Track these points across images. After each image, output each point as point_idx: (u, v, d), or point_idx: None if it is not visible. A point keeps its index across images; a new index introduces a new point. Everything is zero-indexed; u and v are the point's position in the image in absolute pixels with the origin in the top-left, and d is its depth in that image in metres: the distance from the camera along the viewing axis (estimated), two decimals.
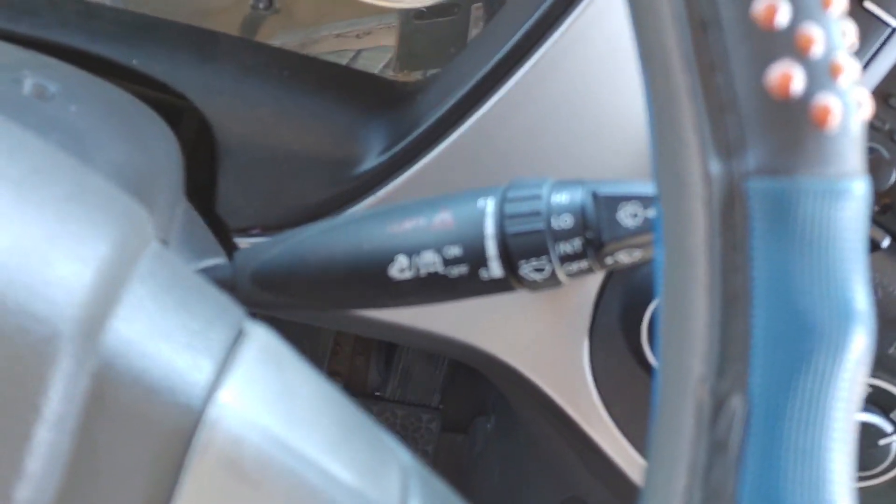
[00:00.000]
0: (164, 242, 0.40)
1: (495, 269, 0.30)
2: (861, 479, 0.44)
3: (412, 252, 0.30)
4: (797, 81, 0.18)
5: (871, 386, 0.45)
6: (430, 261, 0.30)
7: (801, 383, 0.17)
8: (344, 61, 0.55)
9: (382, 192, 0.46)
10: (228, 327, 0.20)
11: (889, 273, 0.45)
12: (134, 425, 0.17)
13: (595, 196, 0.31)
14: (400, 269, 0.30)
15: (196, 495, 0.17)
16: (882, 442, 0.43)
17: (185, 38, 0.50)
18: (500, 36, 0.46)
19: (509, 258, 0.30)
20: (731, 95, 0.18)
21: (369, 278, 0.31)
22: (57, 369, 0.17)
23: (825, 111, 0.18)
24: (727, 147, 0.18)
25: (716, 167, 0.19)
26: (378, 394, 0.85)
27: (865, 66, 0.45)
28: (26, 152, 0.21)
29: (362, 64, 0.54)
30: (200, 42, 0.49)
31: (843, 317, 0.18)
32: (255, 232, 0.48)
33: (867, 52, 0.44)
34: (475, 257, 0.30)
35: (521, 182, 0.32)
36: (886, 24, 0.44)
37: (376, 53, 0.54)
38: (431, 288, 0.30)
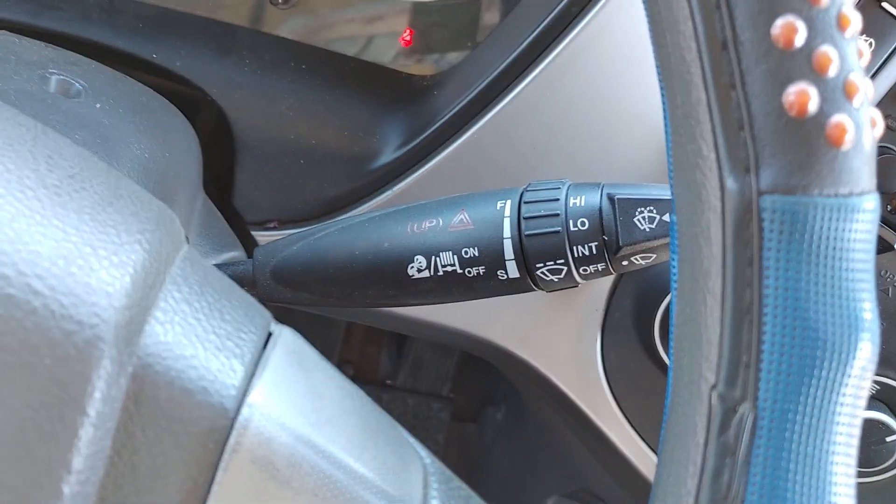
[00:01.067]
0: (186, 237, 0.41)
1: (512, 270, 0.31)
2: (868, 474, 0.45)
3: (431, 252, 0.31)
4: (814, 101, 0.18)
5: (881, 384, 0.45)
6: (448, 261, 0.31)
7: (807, 392, 0.18)
8: (355, 47, 0.55)
9: (399, 188, 0.46)
10: (257, 330, 0.21)
11: None
12: (170, 425, 0.18)
13: (612, 200, 0.31)
14: (419, 268, 0.31)
15: (230, 492, 0.18)
16: (889, 439, 0.44)
17: (204, 32, 0.50)
18: (516, 32, 0.46)
19: (526, 260, 0.31)
20: (747, 113, 0.19)
21: (388, 277, 0.31)
22: (100, 371, 0.17)
23: (840, 130, 0.18)
24: (743, 164, 0.19)
25: (731, 183, 0.19)
26: (389, 382, 0.86)
27: (883, 65, 0.45)
28: (63, 158, 0.21)
29: (373, 50, 0.54)
30: (220, 37, 0.49)
31: (850, 328, 0.18)
32: (271, 225, 0.48)
33: (885, 50, 0.45)
34: (493, 258, 0.31)
35: (539, 184, 0.32)
36: None
37: (387, 40, 0.55)
38: (449, 287, 0.31)
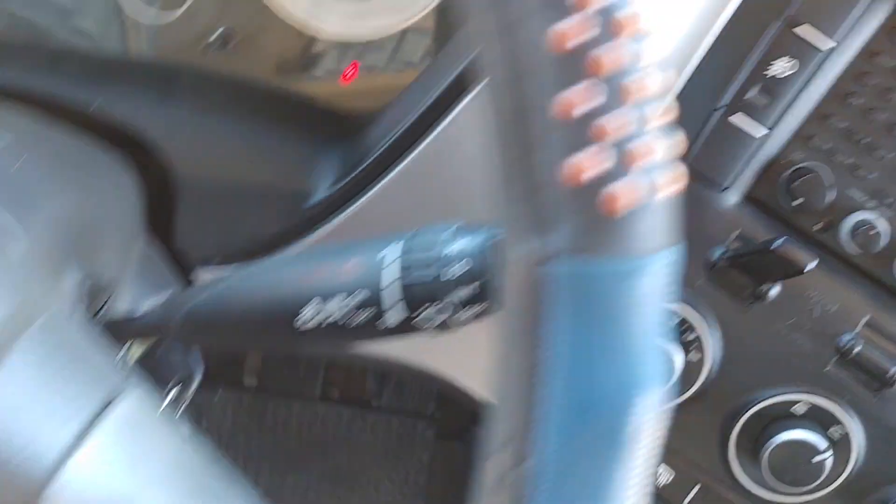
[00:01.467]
0: (116, 281, 0.42)
1: (395, 316, 0.32)
2: (797, 494, 0.45)
3: (318, 301, 0.32)
4: (589, 172, 0.19)
5: (810, 403, 0.46)
6: (333, 309, 0.32)
7: (584, 445, 0.19)
8: (294, 87, 0.56)
9: (331, 225, 0.48)
10: (100, 393, 0.22)
11: (825, 291, 0.46)
12: None
13: (494, 241, 0.32)
14: (304, 320, 0.32)
15: None
16: (815, 459, 0.44)
17: (148, 77, 0.52)
18: (443, 69, 0.47)
19: (408, 306, 0.32)
20: (537, 183, 0.20)
21: (280, 327, 0.32)
22: None
23: (613, 199, 0.19)
24: (535, 229, 0.20)
25: (524, 247, 0.20)
26: (374, 404, 0.87)
27: (802, 90, 0.45)
28: None
29: (311, 89, 0.56)
30: (160, 81, 0.51)
31: (627, 385, 0.19)
32: (215, 262, 0.50)
33: (802, 76, 0.45)
34: (376, 305, 0.32)
35: (428, 229, 0.33)
36: (818, 49, 0.45)
37: (324, 79, 0.56)
38: (335, 336, 0.32)
